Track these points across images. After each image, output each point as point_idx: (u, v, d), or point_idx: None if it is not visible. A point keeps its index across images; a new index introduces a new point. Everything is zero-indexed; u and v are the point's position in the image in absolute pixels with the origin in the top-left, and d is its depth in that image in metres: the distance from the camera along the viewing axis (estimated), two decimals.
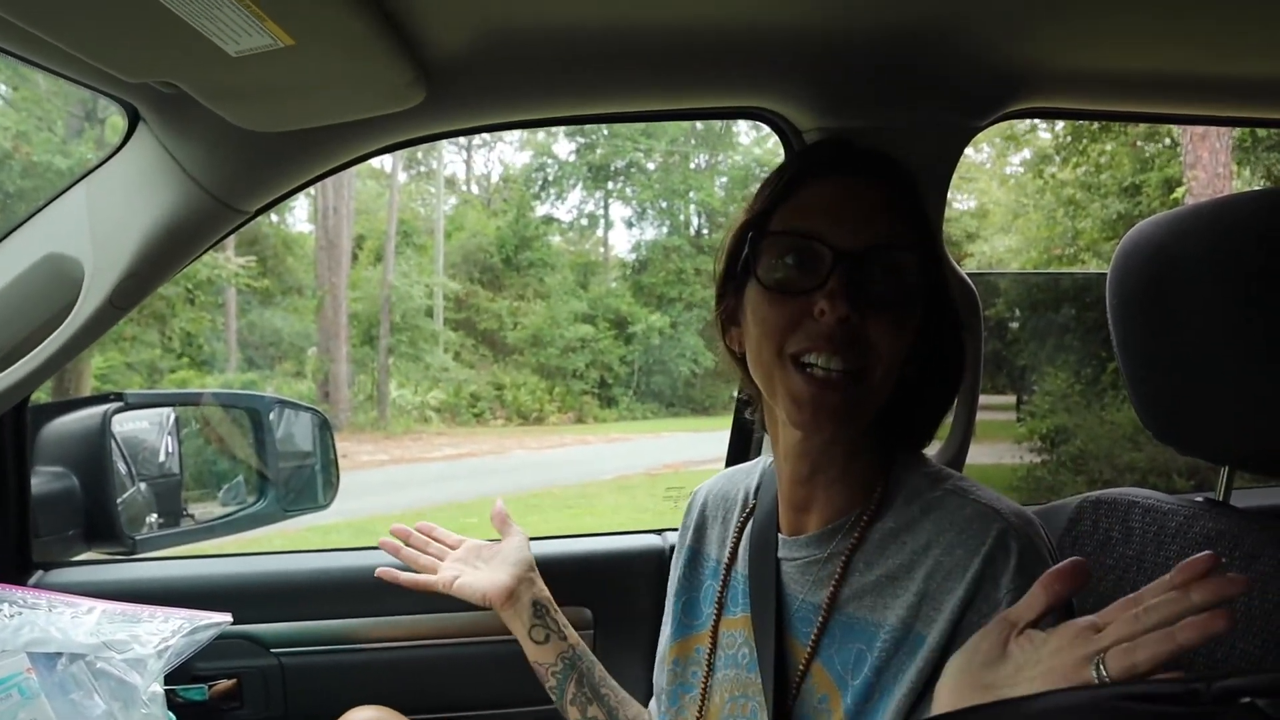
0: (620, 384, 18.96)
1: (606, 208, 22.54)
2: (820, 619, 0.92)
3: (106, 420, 1.45)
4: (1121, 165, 11.41)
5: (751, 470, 1.13)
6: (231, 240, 12.53)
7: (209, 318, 13.81)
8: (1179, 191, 9.80)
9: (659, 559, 1.51)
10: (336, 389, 15.30)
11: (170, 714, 1.07)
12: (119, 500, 1.47)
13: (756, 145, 21.66)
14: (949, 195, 1.36)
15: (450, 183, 23.09)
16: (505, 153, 24.22)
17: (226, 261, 13.02)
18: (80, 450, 1.44)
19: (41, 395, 1.39)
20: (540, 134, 21.19)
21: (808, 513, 0.97)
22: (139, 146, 1.12)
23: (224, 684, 1.38)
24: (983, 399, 1.47)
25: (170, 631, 1.09)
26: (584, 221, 22.84)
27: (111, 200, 1.13)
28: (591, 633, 1.48)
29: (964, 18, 1.05)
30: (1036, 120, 10.46)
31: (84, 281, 1.12)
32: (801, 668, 0.92)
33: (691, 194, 21.58)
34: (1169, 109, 1.39)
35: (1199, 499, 1.07)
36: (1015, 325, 6.75)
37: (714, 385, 18.32)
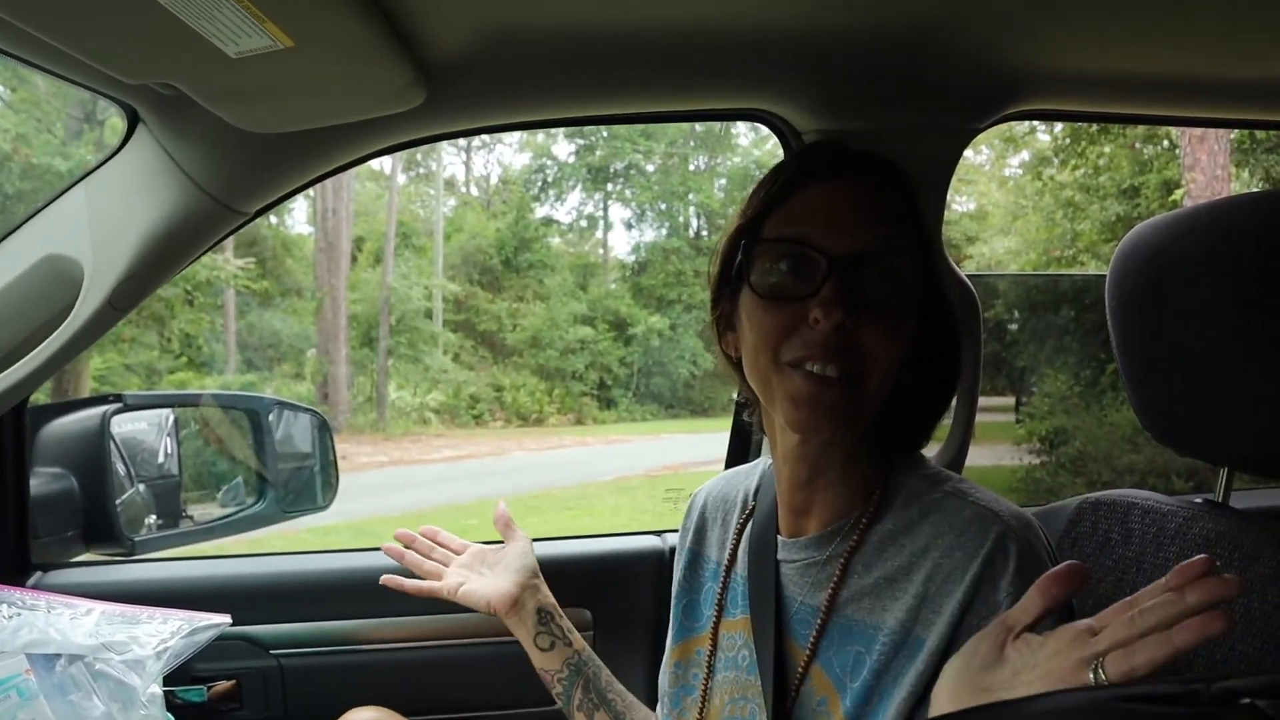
0: (620, 385, 18.96)
1: (606, 209, 22.56)
2: (819, 621, 0.92)
3: (105, 421, 1.44)
4: (1120, 167, 11.42)
5: (750, 472, 1.13)
6: (230, 242, 12.52)
7: (208, 319, 13.80)
8: (1177, 193, 9.81)
9: (659, 560, 1.51)
10: (335, 390, 15.30)
11: (169, 715, 1.07)
12: (118, 501, 1.47)
13: (755, 147, 21.68)
14: (948, 197, 1.36)
15: (449, 184, 23.11)
16: (504, 154, 24.25)
17: (226, 263, 13.01)
18: (79, 451, 1.44)
19: (40, 396, 1.39)
20: (540, 135, 21.23)
21: (807, 516, 0.97)
22: (138, 148, 1.12)
23: (223, 685, 1.38)
24: (982, 400, 1.47)
25: (169, 633, 1.09)
26: (583, 223, 22.87)
27: (111, 201, 1.13)
28: (591, 634, 1.48)
29: (963, 19, 1.05)
30: (1035, 122, 10.49)
31: (83, 283, 1.12)
32: (800, 670, 0.92)
33: (691, 196, 21.59)
34: (1168, 111, 1.40)
35: (1198, 500, 1.08)
36: (1014, 327, 6.75)
37: (713, 387, 18.31)
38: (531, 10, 0.97)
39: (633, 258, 21.82)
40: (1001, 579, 0.81)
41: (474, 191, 23.73)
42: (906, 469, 0.95)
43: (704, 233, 21.50)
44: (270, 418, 1.77)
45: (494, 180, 23.61)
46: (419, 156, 21.55)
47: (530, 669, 1.26)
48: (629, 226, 23.28)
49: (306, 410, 1.88)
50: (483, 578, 1.28)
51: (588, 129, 18.80)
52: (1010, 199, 15.94)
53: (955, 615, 0.82)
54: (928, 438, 0.99)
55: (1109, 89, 1.28)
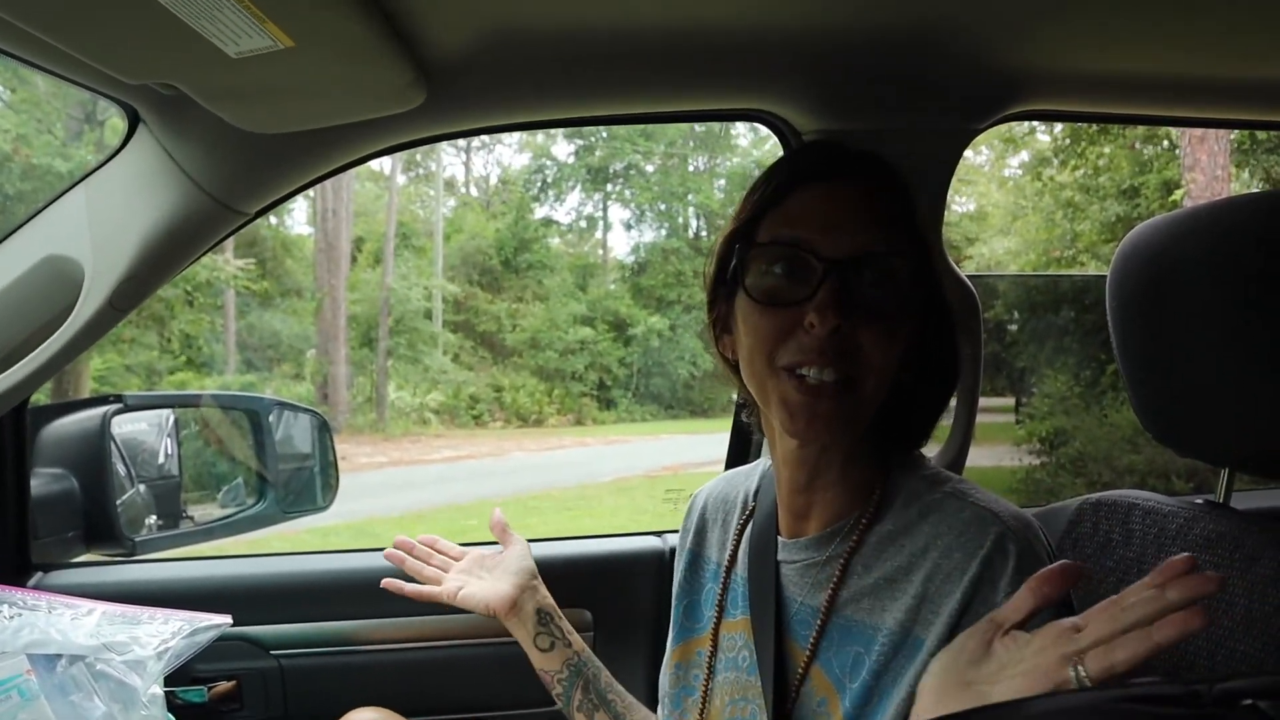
0: (619, 386, 18.96)
1: (605, 210, 22.57)
2: (819, 622, 0.92)
3: (106, 422, 1.44)
4: (1120, 168, 11.42)
5: (750, 473, 1.13)
6: (230, 242, 12.52)
7: (208, 320, 13.80)
8: (1177, 194, 9.81)
9: (659, 561, 1.51)
10: (335, 391, 15.30)
11: (170, 715, 1.07)
12: (118, 502, 1.47)
13: (755, 147, 21.70)
14: (948, 197, 1.36)
15: (449, 185, 23.13)
16: (504, 155, 24.27)
17: (225, 264, 13.01)
18: (79, 452, 1.44)
19: (41, 397, 1.39)
20: (539, 136, 21.25)
21: (807, 517, 0.97)
22: (139, 148, 1.12)
23: (224, 686, 1.38)
24: (982, 401, 1.47)
25: (170, 633, 1.09)
26: (583, 223, 22.88)
27: (111, 202, 1.13)
28: (591, 635, 1.48)
29: (963, 20, 1.05)
30: (1035, 123, 10.49)
31: (84, 283, 1.12)
32: (800, 671, 0.92)
33: (690, 196, 21.60)
34: (1168, 111, 1.40)
35: (1199, 501, 1.07)
36: (1014, 327, 6.75)
37: (713, 387, 18.30)
38: (531, 10, 0.98)
39: (632, 258, 21.84)
40: (1000, 579, 0.81)
41: (473, 192, 23.75)
42: (906, 469, 0.95)
43: (703, 233, 21.50)
44: (270, 418, 1.77)
45: (493, 181, 23.65)
46: (419, 157, 21.57)
47: (530, 669, 1.26)
48: (628, 227, 23.33)
49: (306, 411, 1.88)
50: (482, 581, 1.29)
51: (587, 129, 18.87)
52: (1010, 199, 15.95)
53: (954, 615, 0.82)
54: (927, 437, 0.99)
55: (1109, 89, 1.28)
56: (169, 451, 1.74)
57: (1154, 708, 0.42)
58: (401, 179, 20.72)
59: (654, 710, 1.19)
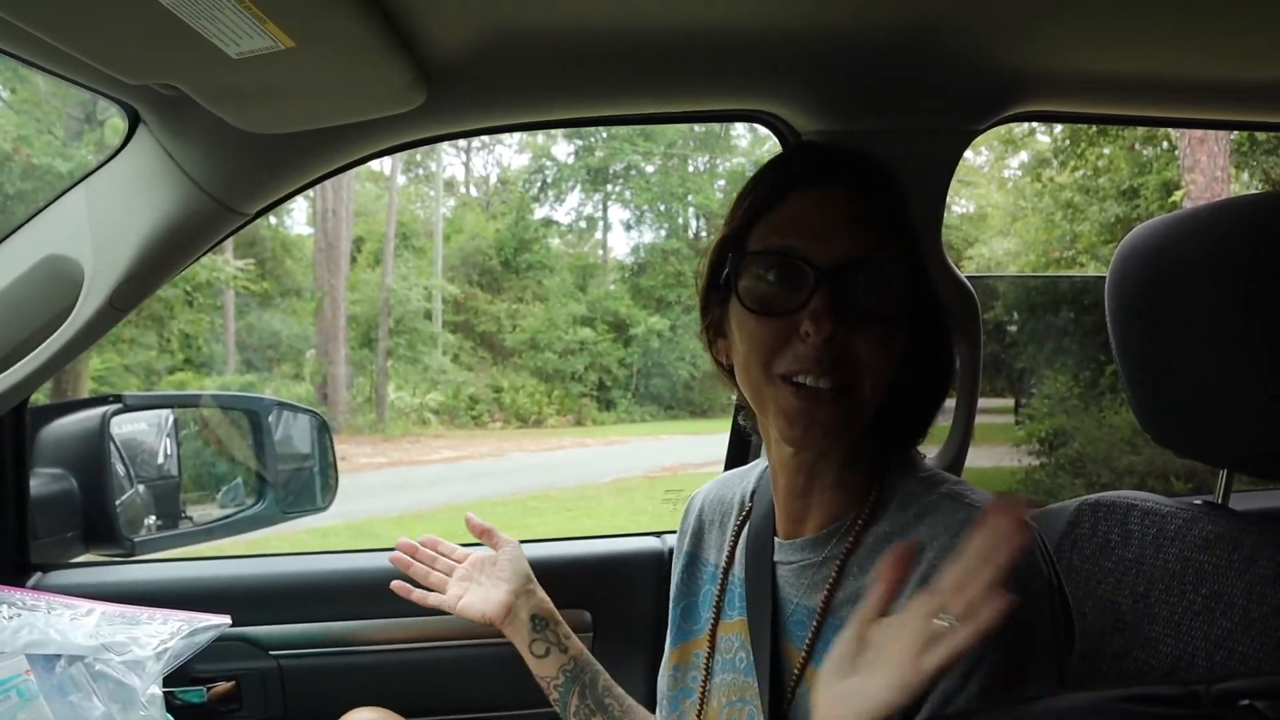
0: (619, 386, 18.95)
1: (605, 210, 22.56)
2: (815, 623, 0.92)
3: (105, 422, 1.44)
4: (1119, 168, 11.42)
5: (747, 474, 1.13)
6: (230, 243, 12.52)
7: (208, 320, 13.81)
8: (1177, 195, 9.81)
9: (658, 561, 1.51)
10: (335, 391, 15.29)
11: (169, 716, 1.07)
12: (118, 502, 1.47)
13: (755, 148, 21.70)
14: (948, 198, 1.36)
15: (449, 185, 23.12)
16: (504, 155, 24.25)
17: (225, 264, 13.01)
18: (79, 452, 1.44)
19: (40, 397, 1.39)
20: (539, 136, 21.24)
21: (804, 519, 0.97)
22: (139, 148, 1.12)
23: (223, 686, 1.38)
24: (981, 402, 1.47)
25: (169, 633, 1.09)
26: (583, 224, 22.87)
27: (111, 202, 1.13)
28: (591, 635, 1.48)
29: (963, 21, 1.05)
30: (1035, 124, 10.49)
31: (84, 283, 1.12)
32: (797, 672, 0.92)
33: (690, 197, 21.59)
34: (1167, 113, 1.40)
35: (1198, 502, 1.08)
36: (1014, 328, 6.76)
37: (713, 388, 18.25)
38: (531, 10, 0.98)
39: (632, 259, 21.84)
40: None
41: (473, 192, 23.75)
42: (903, 471, 0.95)
43: (703, 234, 21.49)
44: (270, 418, 1.77)
45: (493, 181, 23.65)
46: (419, 157, 21.57)
47: (530, 670, 1.26)
48: (628, 227, 23.30)
49: (306, 411, 1.88)
50: (480, 587, 1.29)
51: (587, 130, 18.87)
52: (1010, 200, 15.95)
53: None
54: (924, 433, 0.98)
55: (1108, 90, 1.29)
56: (168, 452, 1.74)
57: (1153, 708, 0.43)
58: (401, 179, 20.74)
59: (653, 712, 1.19)
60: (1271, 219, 0.94)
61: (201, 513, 1.82)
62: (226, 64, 0.85)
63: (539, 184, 22.23)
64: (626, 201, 22.35)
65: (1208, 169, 9.23)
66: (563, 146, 21.74)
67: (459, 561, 1.34)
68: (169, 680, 1.09)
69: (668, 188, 21.56)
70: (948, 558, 0.84)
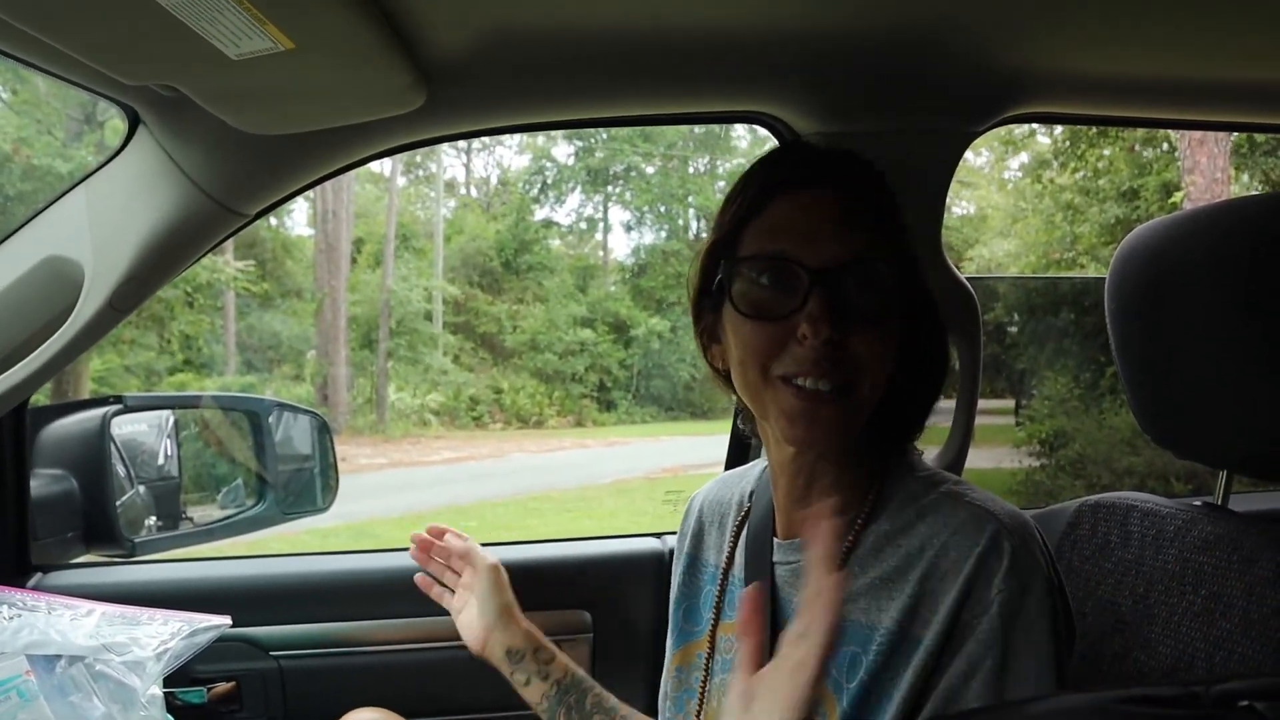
0: (619, 387, 18.95)
1: (605, 211, 22.58)
2: None
3: (105, 423, 1.44)
4: (1119, 170, 11.43)
5: (746, 474, 1.13)
6: (230, 244, 12.51)
7: (208, 321, 13.81)
8: (1177, 196, 9.81)
9: (658, 562, 1.51)
10: (335, 392, 15.29)
11: (169, 716, 1.07)
12: (118, 503, 1.47)
13: (755, 149, 21.69)
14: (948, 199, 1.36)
15: (449, 186, 23.14)
16: (504, 156, 24.27)
17: (226, 265, 13.03)
18: (79, 453, 1.44)
19: (40, 398, 1.39)
20: (539, 137, 21.24)
21: (803, 521, 0.97)
22: (139, 149, 1.12)
23: (223, 686, 1.38)
24: (981, 403, 1.47)
25: (169, 634, 1.09)
26: (583, 225, 22.88)
27: (111, 203, 1.14)
28: (591, 636, 1.48)
29: (963, 22, 1.05)
30: (1035, 125, 10.48)
31: (84, 284, 1.12)
32: None
33: (690, 198, 21.60)
34: (1167, 114, 1.40)
35: (1197, 503, 1.08)
36: (1014, 329, 6.76)
37: (713, 389, 18.02)
38: (531, 11, 0.98)
39: (632, 260, 21.84)
40: (995, 576, 0.81)
41: (474, 193, 23.76)
42: (902, 470, 0.95)
43: (703, 235, 21.29)
44: (270, 419, 1.77)
45: (494, 182, 23.66)
46: (419, 158, 21.59)
47: None
48: (628, 229, 23.33)
49: (306, 412, 1.88)
50: (469, 610, 1.30)
51: (587, 131, 18.87)
52: (1010, 202, 15.96)
53: (951, 613, 0.82)
54: (920, 428, 0.98)
55: (1108, 92, 1.29)
56: (169, 452, 1.73)
57: (1153, 709, 0.42)
58: (402, 180, 20.76)
59: (653, 714, 1.19)
60: (1272, 220, 0.94)
61: (202, 513, 1.81)
62: (226, 65, 0.85)
63: (539, 185, 22.25)
64: (627, 203, 22.37)
65: (1208, 170, 9.22)
66: (563, 148, 21.79)
67: (461, 556, 1.35)
68: (169, 681, 1.09)
69: (668, 189, 21.57)
70: (947, 557, 0.84)
